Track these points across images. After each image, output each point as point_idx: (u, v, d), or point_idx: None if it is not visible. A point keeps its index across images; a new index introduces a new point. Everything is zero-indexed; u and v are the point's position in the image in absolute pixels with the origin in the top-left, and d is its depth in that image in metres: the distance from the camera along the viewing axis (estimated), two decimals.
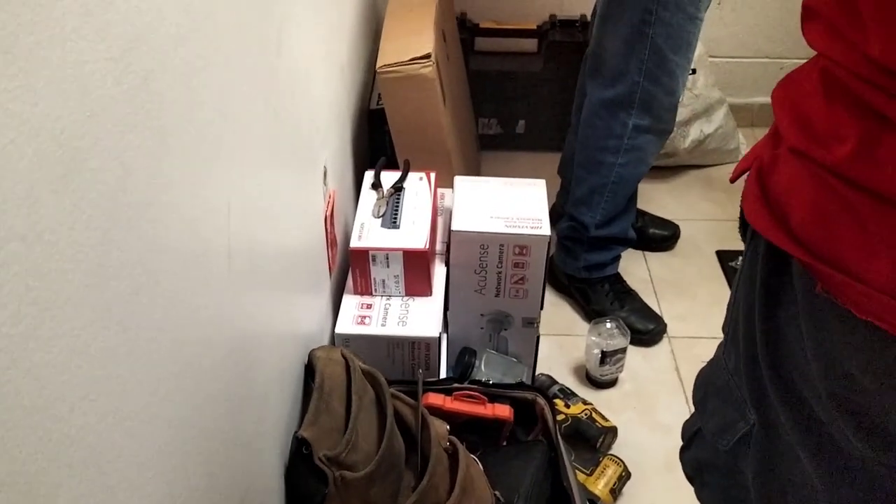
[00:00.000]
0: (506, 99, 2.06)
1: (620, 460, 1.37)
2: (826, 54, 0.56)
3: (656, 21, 1.32)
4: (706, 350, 0.81)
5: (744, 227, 0.69)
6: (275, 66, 0.87)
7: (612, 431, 1.42)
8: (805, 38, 0.59)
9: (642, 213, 1.83)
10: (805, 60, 0.64)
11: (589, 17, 1.97)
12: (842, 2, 0.52)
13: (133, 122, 0.48)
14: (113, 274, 0.46)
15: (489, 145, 2.12)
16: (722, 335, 0.78)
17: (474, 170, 1.92)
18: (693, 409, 0.81)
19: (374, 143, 1.59)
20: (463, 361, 1.32)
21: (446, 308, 1.31)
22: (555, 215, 1.66)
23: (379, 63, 1.38)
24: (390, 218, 1.27)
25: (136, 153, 0.49)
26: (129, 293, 0.49)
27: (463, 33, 1.98)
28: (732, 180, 0.69)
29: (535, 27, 2.00)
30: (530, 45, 2.02)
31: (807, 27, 0.58)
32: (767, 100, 0.67)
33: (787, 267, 0.62)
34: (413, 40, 1.41)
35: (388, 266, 1.22)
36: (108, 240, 0.46)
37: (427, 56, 1.36)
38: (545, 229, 1.27)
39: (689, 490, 0.82)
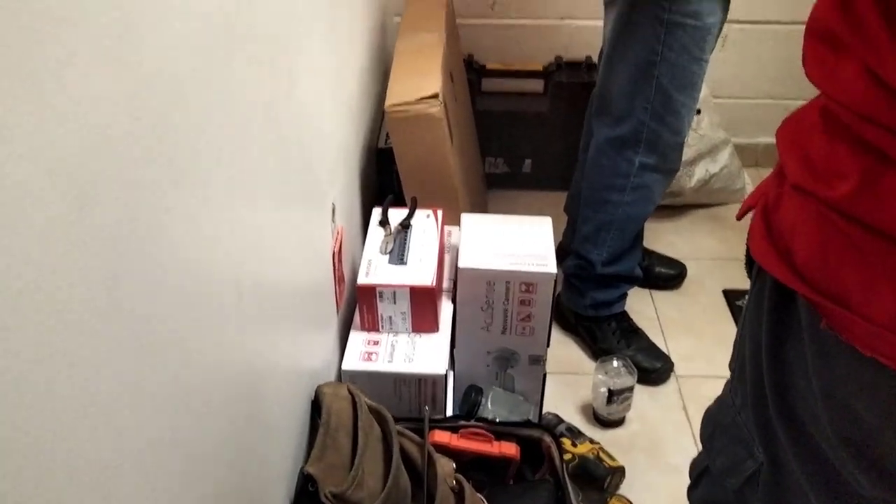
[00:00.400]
0: (512, 138, 2.09)
1: (628, 501, 1.36)
2: (826, 91, 0.57)
3: (662, 62, 1.34)
4: (714, 389, 0.81)
5: (749, 263, 0.70)
6: (286, 106, 0.88)
7: (620, 471, 1.41)
8: (806, 73, 0.60)
9: (649, 252, 1.83)
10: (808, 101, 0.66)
11: (594, 59, 2.00)
12: (849, 18, 0.53)
13: (146, 157, 0.50)
14: (124, 306, 0.47)
15: (496, 184, 2.14)
16: (729, 374, 0.78)
17: (481, 208, 1.94)
18: (701, 448, 0.80)
19: (382, 181, 1.61)
20: (469, 399, 1.31)
21: (453, 345, 1.31)
22: (561, 253, 1.67)
23: (387, 102, 1.41)
24: (398, 255, 1.27)
25: (148, 188, 0.50)
26: (141, 325, 0.50)
27: (470, 74, 2.01)
28: (739, 217, 0.70)
29: (541, 68, 2.04)
30: (536, 85, 2.05)
31: (808, 59, 0.59)
32: (772, 140, 0.68)
33: (794, 304, 0.62)
34: (421, 80, 1.43)
35: (395, 302, 1.22)
36: (119, 272, 0.47)
37: (435, 96, 1.39)
38: (551, 267, 1.28)
39: None
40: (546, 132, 2.06)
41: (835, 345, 0.58)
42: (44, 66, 0.37)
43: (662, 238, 1.97)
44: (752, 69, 2.13)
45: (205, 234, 0.62)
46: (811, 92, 0.61)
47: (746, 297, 0.72)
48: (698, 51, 1.33)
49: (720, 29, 1.37)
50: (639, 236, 1.62)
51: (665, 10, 1.29)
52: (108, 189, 0.44)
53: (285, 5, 0.88)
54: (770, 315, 0.65)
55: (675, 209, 2.06)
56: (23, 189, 0.36)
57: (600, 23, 1.75)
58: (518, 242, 1.32)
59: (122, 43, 0.45)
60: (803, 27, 0.62)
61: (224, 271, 0.67)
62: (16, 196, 0.35)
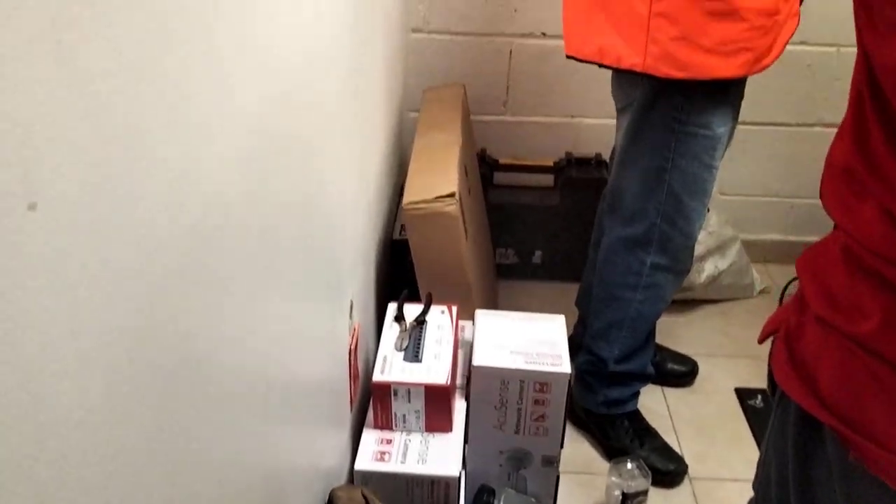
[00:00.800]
0: (523, 230, 2.12)
1: None
2: (845, 228, 0.58)
3: (673, 168, 1.38)
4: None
5: (772, 385, 0.71)
6: (315, 208, 0.91)
7: None
8: (824, 207, 0.62)
9: (660, 348, 1.83)
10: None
11: (603, 156, 2.05)
12: (868, 161, 0.55)
13: (197, 280, 0.51)
14: (170, 427, 0.48)
15: (506, 274, 2.16)
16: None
17: (492, 299, 1.95)
18: None
19: (397, 272, 1.63)
20: (481, 500, 1.29)
21: (465, 442, 1.29)
22: (572, 346, 1.66)
23: (405, 200, 1.44)
24: (413, 351, 1.28)
25: (198, 310, 0.52)
26: (184, 444, 0.50)
27: (483, 168, 2.06)
28: (760, 341, 0.71)
29: (551, 164, 2.09)
30: (547, 180, 2.09)
31: (827, 196, 0.62)
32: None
33: (819, 431, 0.62)
34: (438, 179, 1.47)
35: (409, 401, 1.22)
36: (170, 394, 0.48)
37: (451, 195, 1.42)
38: (566, 366, 1.28)
39: None
40: (556, 225, 2.10)
41: (862, 475, 0.58)
42: (116, 209, 0.39)
43: (673, 333, 1.97)
44: (758, 168, 2.18)
45: (242, 337, 0.63)
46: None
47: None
48: (709, 158, 1.37)
49: (730, 137, 1.41)
50: (651, 334, 1.62)
51: (677, 121, 1.33)
52: (165, 314, 0.46)
53: (318, 112, 0.91)
54: (795, 440, 0.65)
55: (684, 304, 2.07)
56: (98, 324, 0.37)
57: (609, 121, 1.80)
58: (532, 340, 1.33)
59: (182, 181, 0.48)
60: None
61: (255, 372, 0.68)
62: (80, 349, 0.37)
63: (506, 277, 2.15)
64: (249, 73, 0.61)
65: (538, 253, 2.16)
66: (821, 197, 0.63)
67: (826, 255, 0.61)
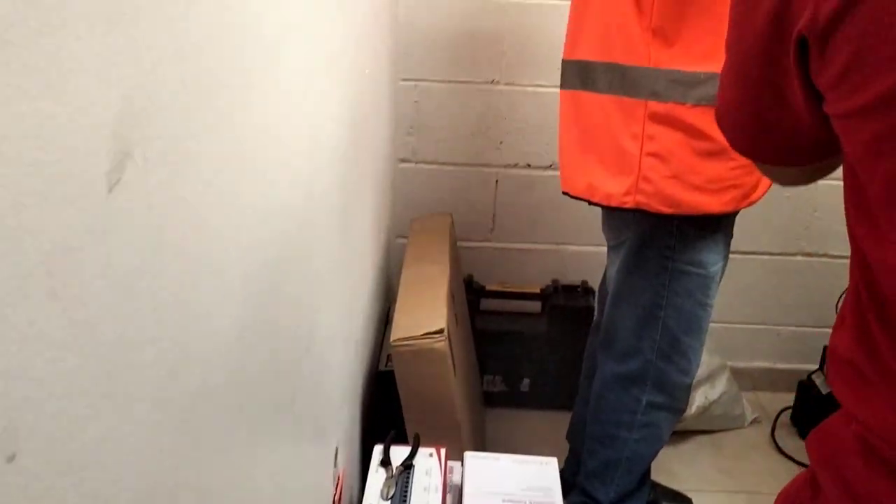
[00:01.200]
0: (511, 357, 2.09)
1: None
2: (857, 416, 0.56)
3: (667, 306, 1.37)
4: None
5: None
6: (303, 364, 0.88)
7: None
8: (832, 391, 0.60)
9: (654, 485, 1.77)
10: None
11: (590, 283, 2.05)
12: (872, 358, 0.54)
13: (186, 467, 0.48)
14: None
15: (494, 402, 2.11)
16: None
17: (480, 429, 1.89)
18: None
19: (382, 404, 1.58)
20: None
21: None
22: (563, 483, 1.60)
23: (393, 336, 1.41)
24: (399, 500, 1.21)
25: (186, 494, 0.48)
26: None
27: (470, 294, 2.05)
28: None
29: (538, 290, 2.08)
30: (534, 306, 2.08)
31: (835, 380, 0.60)
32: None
33: None
34: (427, 314, 1.45)
35: None
36: None
37: (440, 331, 1.39)
38: None
39: None
40: (544, 352, 2.07)
41: None
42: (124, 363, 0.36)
43: (665, 467, 1.91)
44: (743, 296, 2.18)
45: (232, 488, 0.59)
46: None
47: None
48: (703, 297, 1.37)
49: (722, 274, 1.41)
50: (646, 474, 1.57)
51: (670, 259, 1.34)
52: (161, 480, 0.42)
53: (309, 254, 0.89)
54: None
55: (675, 435, 2.01)
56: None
57: (595, 249, 1.81)
58: (524, 487, 1.27)
59: (170, 366, 0.45)
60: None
61: None
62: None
63: (493, 405, 2.10)
64: (240, 248, 0.59)
65: (526, 381, 2.12)
66: (827, 381, 0.61)
67: (839, 441, 0.59)
